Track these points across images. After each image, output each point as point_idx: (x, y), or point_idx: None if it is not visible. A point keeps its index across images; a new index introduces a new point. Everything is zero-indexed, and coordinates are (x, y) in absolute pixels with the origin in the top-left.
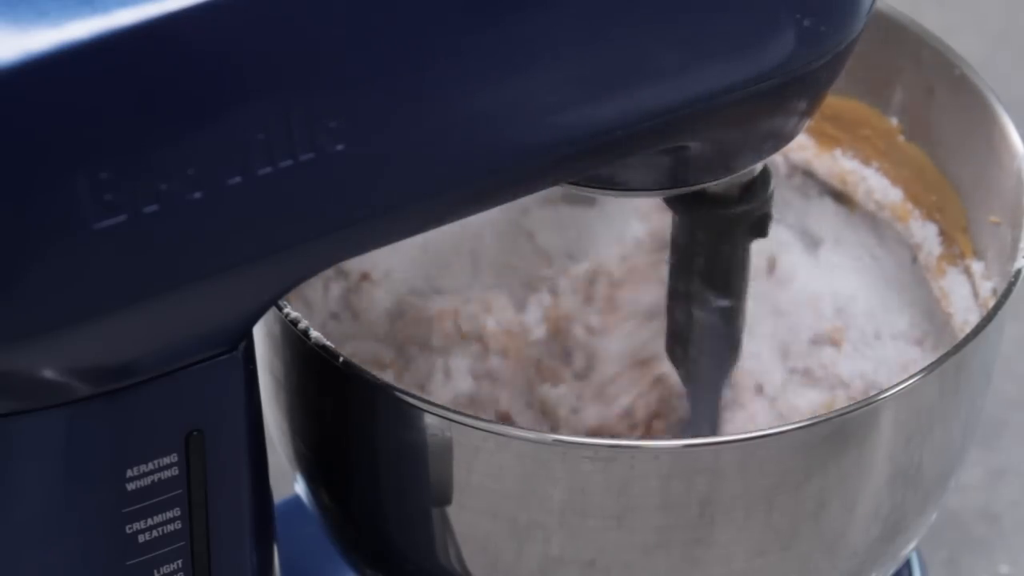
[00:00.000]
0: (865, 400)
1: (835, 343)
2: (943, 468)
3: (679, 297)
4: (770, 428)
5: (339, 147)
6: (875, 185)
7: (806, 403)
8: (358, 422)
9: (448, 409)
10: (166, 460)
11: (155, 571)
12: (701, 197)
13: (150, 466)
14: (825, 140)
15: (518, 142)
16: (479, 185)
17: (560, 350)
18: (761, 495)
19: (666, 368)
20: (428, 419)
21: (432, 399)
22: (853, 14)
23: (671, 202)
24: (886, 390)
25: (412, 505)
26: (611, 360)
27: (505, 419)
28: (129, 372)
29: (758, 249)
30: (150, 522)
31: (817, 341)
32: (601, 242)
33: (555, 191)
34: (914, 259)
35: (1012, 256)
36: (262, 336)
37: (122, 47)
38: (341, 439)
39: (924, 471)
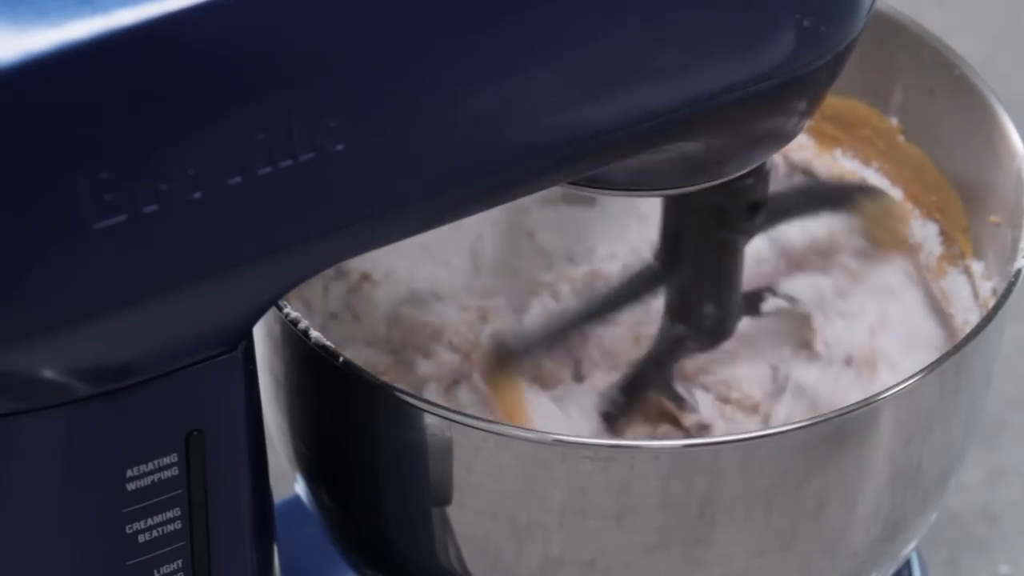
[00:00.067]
0: (865, 400)
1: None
2: (943, 468)
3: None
4: (770, 428)
5: (339, 147)
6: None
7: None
8: (358, 422)
9: (448, 409)
10: (166, 460)
11: (155, 571)
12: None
13: (150, 466)
14: (825, 140)
15: (518, 142)
16: (479, 185)
17: (560, 353)
18: (761, 495)
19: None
20: (428, 419)
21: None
22: (853, 14)
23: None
24: (886, 390)
25: (412, 505)
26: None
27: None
28: (129, 372)
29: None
30: (150, 522)
31: None
32: (601, 242)
33: (555, 191)
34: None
35: (1012, 256)
36: (262, 336)
37: (122, 47)
38: (341, 439)
39: (924, 471)
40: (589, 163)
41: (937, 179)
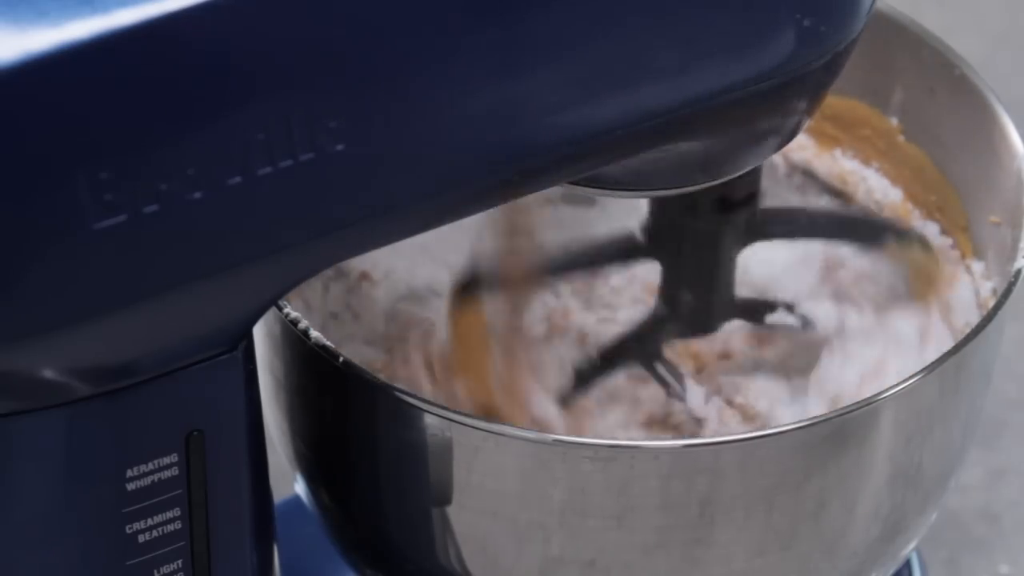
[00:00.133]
0: (865, 400)
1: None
2: (943, 468)
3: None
4: (770, 428)
5: (339, 147)
6: (875, 185)
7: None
8: (358, 422)
9: (448, 409)
10: (166, 460)
11: (155, 571)
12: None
13: (150, 466)
14: (825, 140)
15: (518, 142)
16: (479, 185)
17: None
18: (761, 495)
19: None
20: (428, 419)
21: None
22: (853, 14)
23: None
24: (886, 390)
25: (412, 505)
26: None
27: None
28: (129, 372)
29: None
30: (150, 522)
31: None
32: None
33: (555, 191)
34: None
35: (1012, 256)
36: (262, 336)
37: (122, 47)
38: (341, 439)
39: (924, 471)
40: (589, 163)
41: (937, 179)
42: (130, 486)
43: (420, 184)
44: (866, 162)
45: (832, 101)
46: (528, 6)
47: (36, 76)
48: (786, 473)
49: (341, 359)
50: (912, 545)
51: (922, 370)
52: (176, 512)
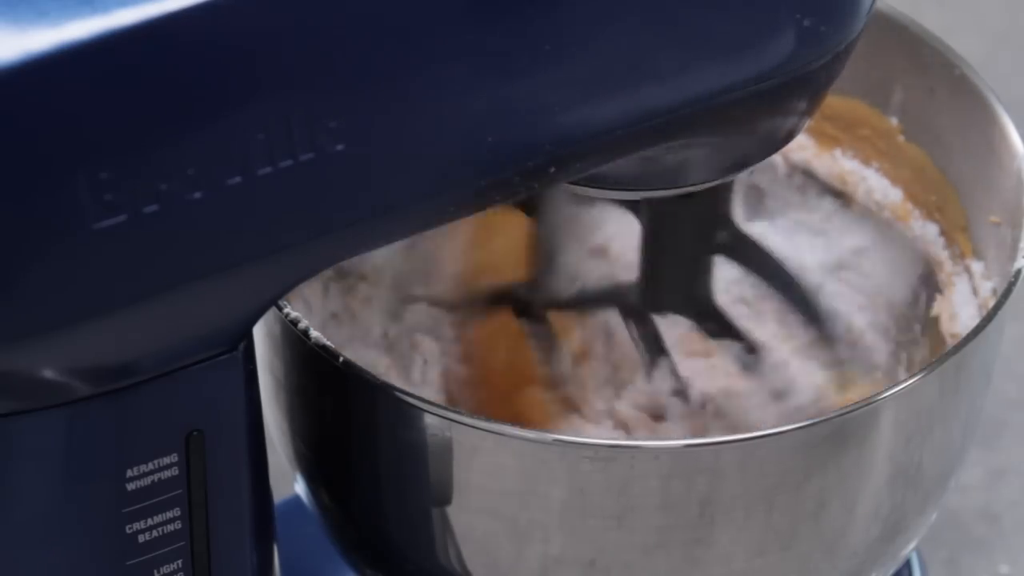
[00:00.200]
0: (865, 400)
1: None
2: (943, 468)
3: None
4: (770, 428)
5: (339, 147)
6: (875, 185)
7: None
8: (358, 422)
9: (448, 409)
10: (166, 460)
11: (155, 571)
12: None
13: (150, 466)
14: (825, 140)
15: (518, 142)
16: (479, 185)
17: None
18: (761, 495)
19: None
20: (428, 419)
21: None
22: (853, 14)
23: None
24: (886, 390)
25: (412, 505)
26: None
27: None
28: (129, 372)
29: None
30: (150, 522)
31: None
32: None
33: (555, 191)
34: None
35: (1012, 256)
36: (262, 336)
37: (122, 47)
38: (341, 439)
39: (924, 471)
40: (589, 163)
41: (937, 179)
42: (130, 486)
43: (420, 184)
44: (866, 162)
45: (832, 101)
46: (528, 7)
47: (36, 76)
48: (786, 473)
49: (341, 359)
50: (912, 545)
51: (922, 370)
52: (176, 512)
